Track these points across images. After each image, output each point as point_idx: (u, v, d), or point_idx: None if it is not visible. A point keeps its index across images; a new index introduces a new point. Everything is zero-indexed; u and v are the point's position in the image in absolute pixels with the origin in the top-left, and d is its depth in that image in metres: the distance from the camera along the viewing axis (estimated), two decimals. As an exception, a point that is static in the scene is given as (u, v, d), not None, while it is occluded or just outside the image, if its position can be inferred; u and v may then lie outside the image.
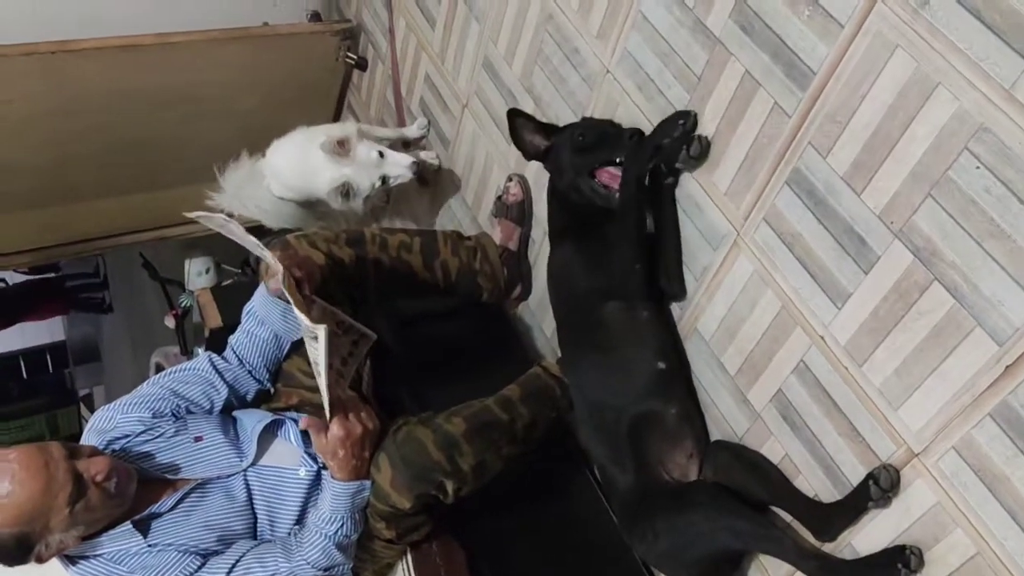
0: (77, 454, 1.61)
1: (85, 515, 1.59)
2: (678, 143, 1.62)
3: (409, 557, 1.85)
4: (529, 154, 1.91)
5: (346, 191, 2.24)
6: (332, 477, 1.68)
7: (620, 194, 1.71)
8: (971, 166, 1.21)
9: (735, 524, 1.56)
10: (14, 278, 7.37)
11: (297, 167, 2.33)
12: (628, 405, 1.73)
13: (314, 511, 1.72)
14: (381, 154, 2.24)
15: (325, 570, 1.69)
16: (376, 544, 1.79)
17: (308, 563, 1.67)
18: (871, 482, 1.41)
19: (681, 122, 1.61)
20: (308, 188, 2.33)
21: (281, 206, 2.45)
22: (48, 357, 9.03)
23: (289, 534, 1.75)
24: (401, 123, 2.80)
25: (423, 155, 2.66)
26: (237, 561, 1.67)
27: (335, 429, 1.64)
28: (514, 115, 1.89)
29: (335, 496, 1.67)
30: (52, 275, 7.74)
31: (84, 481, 1.57)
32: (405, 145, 2.73)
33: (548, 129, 1.88)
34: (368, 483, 1.69)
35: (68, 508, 1.55)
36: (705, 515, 1.58)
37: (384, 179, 2.25)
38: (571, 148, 1.79)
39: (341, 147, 2.21)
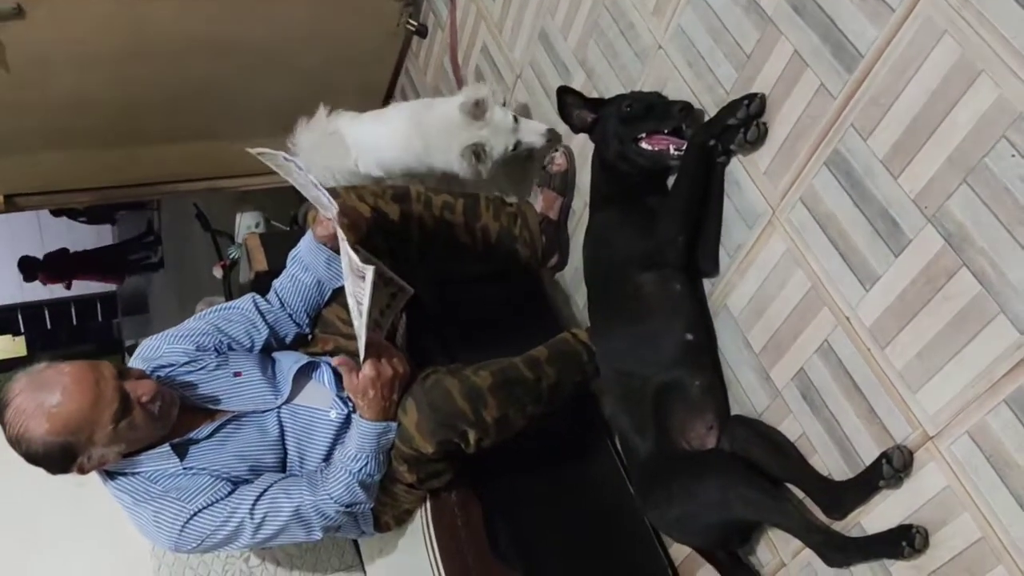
0: (126, 375, 1.69)
1: (128, 433, 1.67)
2: (739, 125, 1.64)
3: (428, 504, 1.91)
4: (577, 128, 1.95)
5: (478, 153, 2.19)
6: (360, 416, 1.74)
7: (682, 160, 1.73)
8: (1007, 154, 1.22)
9: (748, 493, 1.59)
10: (75, 246, 7.62)
11: (416, 137, 2.28)
12: (654, 374, 1.76)
13: (340, 449, 1.78)
14: (516, 119, 2.22)
15: (347, 506, 1.76)
16: (398, 487, 1.85)
17: (331, 498, 1.73)
18: (884, 461, 1.43)
19: (747, 103, 1.62)
20: (426, 157, 2.29)
21: (357, 180, 2.43)
22: (99, 305, 9.30)
23: (316, 470, 1.81)
24: (455, 70, 2.80)
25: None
26: (265, 491, 1.74)
27: (367, 369, 1.70)
28: (563, 92, 1.93)
29: (362, 435, 1.73)
30: (109, 240, 7.98)
31: (130, 401, 1.65)
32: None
33: (595, 103, 1.91)
34: (394, 424, 1.75)
35: (113, 424, 1.63)
36: (719, 482, 1.61)
37: (517, 144, 2.22)
38: (618, 117, 1.82)
39: (478, 108, 2.17)
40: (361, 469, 1.73)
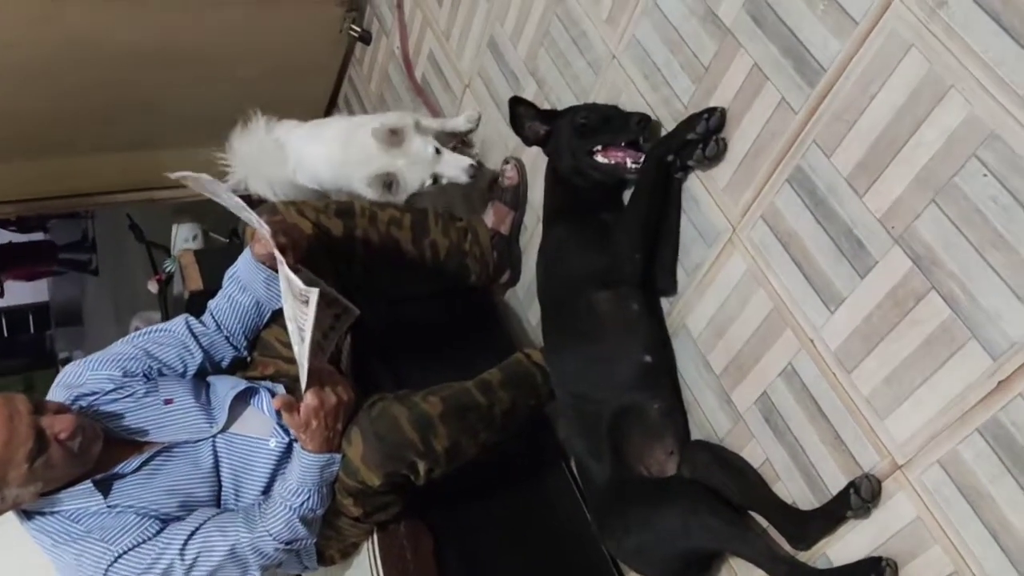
0: (42, 409, 1.57)
1: (45, 472, 1.54)
2: (698, 140, 1.58)
3: (375, 537, 1.82)
4: (529, 140, 1.87)
5: (389, 183, 2.05)
6: (302, 448, 1.64)
7: (639, 175, 1.67)
8: (978, 173, 1.18)
9: (709, 522, 1.53)
10: (2, 238, 7.31)
11: (338, 156, 2.15)
12: (611, 397, 1.70)
13: (281, 482, 1.68)
14: (438, 151, 2.06)
15: (287, 543, 1.65)
16: (342, 521, 1.75)
17: (270, 535, 1.63)
18: (852, 491, 1.38)
19: (706, 117, 1.56)
20: (345, 178, 2.15)
21: (297, 192, 2.30)
22: (31, 317, 8.96)
23: (253, 504, 1.70)
24: (432, 110, 2.64)
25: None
26: (197, 528, 1.63)
27: (309, 398, 1.59)
28: (515, 103, 1.85)
29: (304, 468, 1.63)
30: (41, 239, 7.67)
31: (46, 438, 1.53)
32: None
33: (548, 115, 1.84)
34: (338, 456, 1.65)
35: (27, 464, 1.51)
36: (680, 511, 1.55)
37: (436, 178, 2.07)
38: (572, 129, 1.75)
39: (394, 136, 2.03)
40: (303, 504, 1.63)
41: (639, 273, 1.70)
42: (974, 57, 1.16)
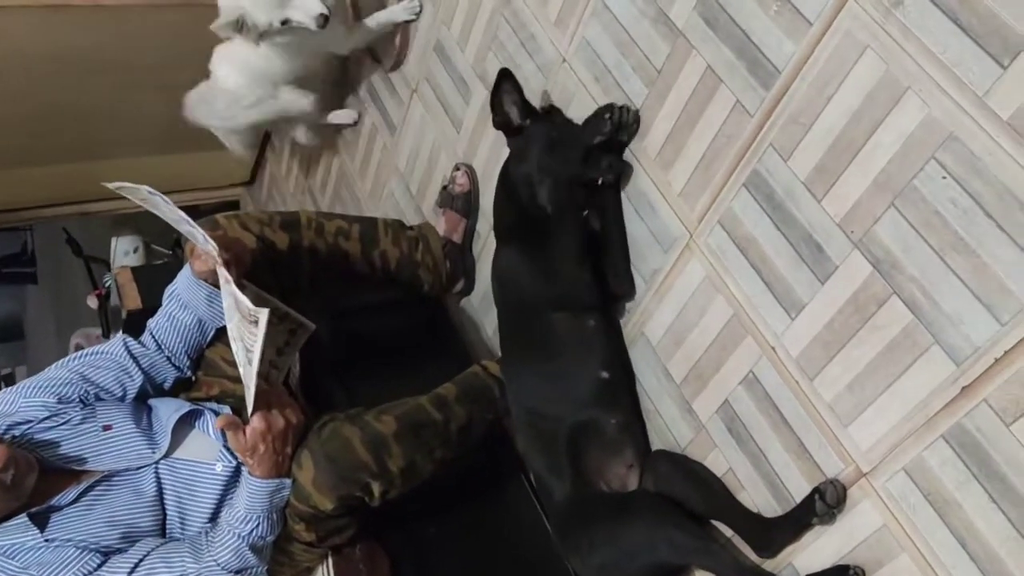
0: None
1: None
2: (610, 137, 1.56)
3: (330, 562, 1.75)
4: (499, 123, 1.77)
5: (240, 24, 2.03)
6: (250, 473, 1.57)
7: (551, 204, 1.63)
8: (937, 176, 1.16)
9: (674, 536, 1.49)
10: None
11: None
12: (568, 414, 1.66)
13: (228, 509, 1.60)
14: None
15: (236, 572, 1.58)
16: (295, 547, 1.68)
17: (218, 564, 1.55)
18: (817, 497, 1.35)
19: (608, 116, 1.54)
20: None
21: (238, 113, 2.39)
22: (-30, 333, 8.67)
23: (200, 533, 1.63)
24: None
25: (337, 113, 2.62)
26: (140, 560, 1.55)
27: (256, 422, 1.53)
28: (504, 77, 1.74)
29: (252, 493, 1.56)
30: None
31: None
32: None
33: (531, 109, 1.76)
34: (288, 481, 1.58)
35: None
36: (644, 525, 1.51)
37: (285, 21, 2.03)
38: (543, 145, 1.68)
39: None
40: (252, 531, 1.56)
41: (593, 294, 1.66)
42: (931, 58, 1.14)
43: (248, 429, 1.53)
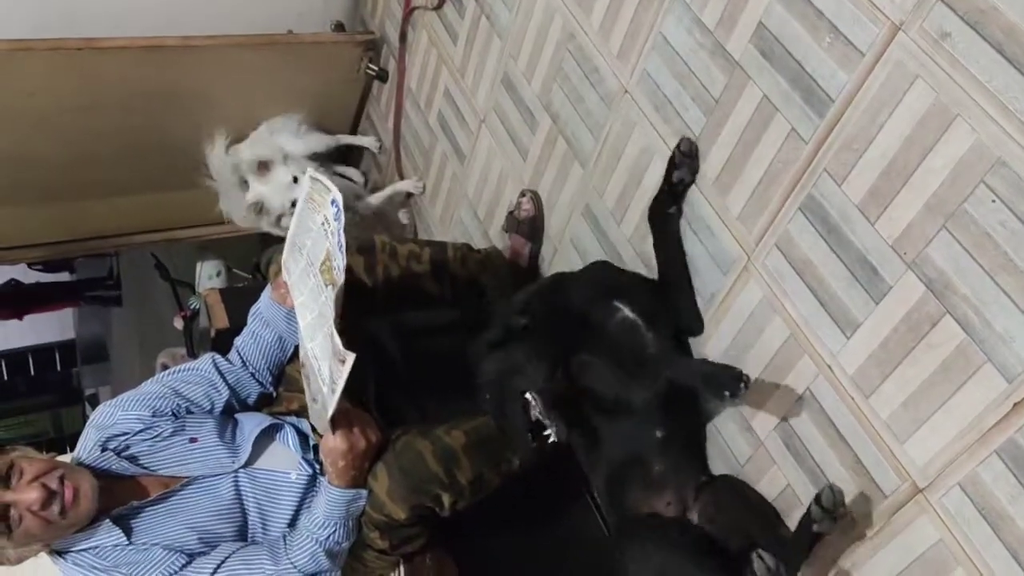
0: (11, 480, 1.58)
1: (28, 539, 1.59)
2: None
3: (402, 569, 1.83)
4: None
5: (260, 209, 2.47)
6: (329, 483, 1.67)
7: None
8: (987, 199, 1.20)
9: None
10: (28, 276, 7.40)
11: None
12: (616, 457, 1.71)
13: (307, 514, 1.70)
14: (295, 179, 2.45)
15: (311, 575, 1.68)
16: (368, 554, 1.77)
17: (295, 567, 1.65)
18: (813, 502, 1.38)
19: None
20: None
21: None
22: (57, 355, 9.06)
23: (279, 537, 1.73)
24: (396, 141, 2.94)
25: (402, 184, 2.89)
26: (222, 562, 1.66)
27: (338, 442, 1.62)
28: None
29: (330, 502, 1.66)
30: (67, 279, 7.75)
31: (11, 513, 1.55)
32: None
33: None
34: (365, 492, 1.67)
35: (3, 538, 1.55)
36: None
37: (294, 203, 2.36)
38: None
39: (263, 168, 2.46)
40: (329, 537, 1.66)
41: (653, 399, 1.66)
42: (978, 86, 1.19)
43: (331, 444, 1.63)
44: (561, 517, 2.02)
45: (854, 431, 1.44)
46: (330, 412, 1.57)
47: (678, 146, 1.65)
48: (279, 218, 2.51)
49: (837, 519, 1.38)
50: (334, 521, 1.66)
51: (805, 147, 1.46)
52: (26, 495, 1.56)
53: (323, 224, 1.58)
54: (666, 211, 1.71)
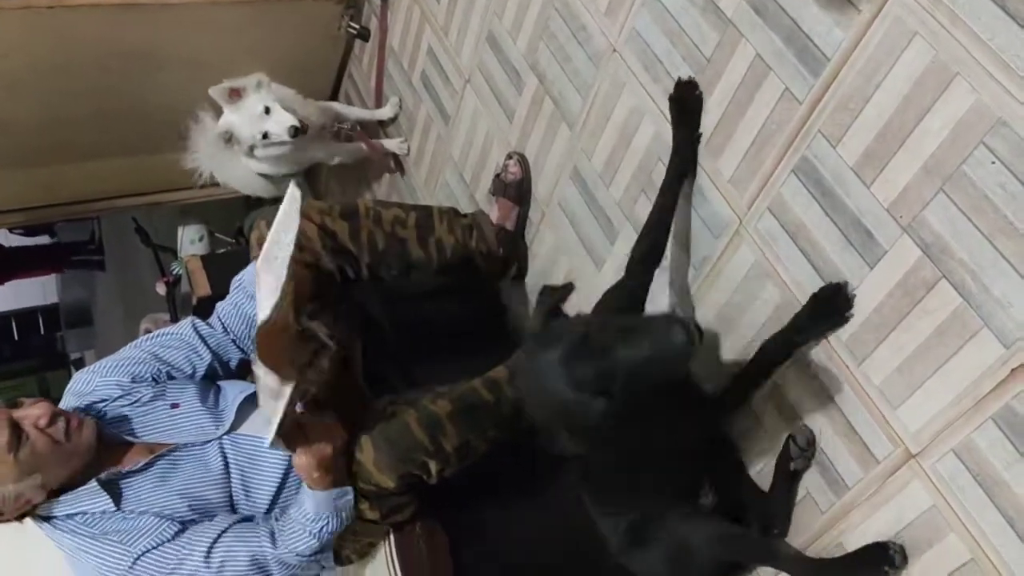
0: (17, 404, 1.62)
1: (35, 461, 1.58)
2: None
3: (392, 538, 1.82)
4: None
5: (228, 138, 2.34)
6: (309, 488, 1.65)
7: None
8: (986, 161, 1.17)
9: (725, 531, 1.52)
10: (9, 240, 7.32)
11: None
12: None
13: (297, 506, 1.68)
14: (267, 110, 2.30)
15: (310, 556, 1.68)
16: (359, 524, 1.75)
17: (294, 552, 1.65)
18: (790, 439, 1.42)
19: None
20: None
21: (252, 177, 2.59)
22: (40, 319, 9.00)
23: (270, 513, 1.71)
24: (377, 102, 2.87)
25: (387, 142, 2.76)
26: (219, 536, 1.64)
27: (302, 459, 1.59)
28: None
29: (316, 502, 1.64)
30: (48, 241, 7.67)
31: (21, 428, 1.57)
32: (381, 125, 2.85)
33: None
34: (349, 488, 1.66)
35: (11, 455, 1.55)
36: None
37: (265, 134, 2.33)
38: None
39: (234, 94, 2.29)
40: (322, 528, 1.65)
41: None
42: (979, 44, 1.15)
43: (297, 463, 1.61)
44: (550, 484, 2.01)
45: (847, 397, 1.43)
46: (276, 419, 1.52)
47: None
48: (251, 148, 2.40)
49: (811, 458, 1.42)
50: (325, 515, 1.65)
51: (799, 107, 1.42)
52: (33, 410, 1.59)
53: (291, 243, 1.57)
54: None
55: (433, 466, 1.66)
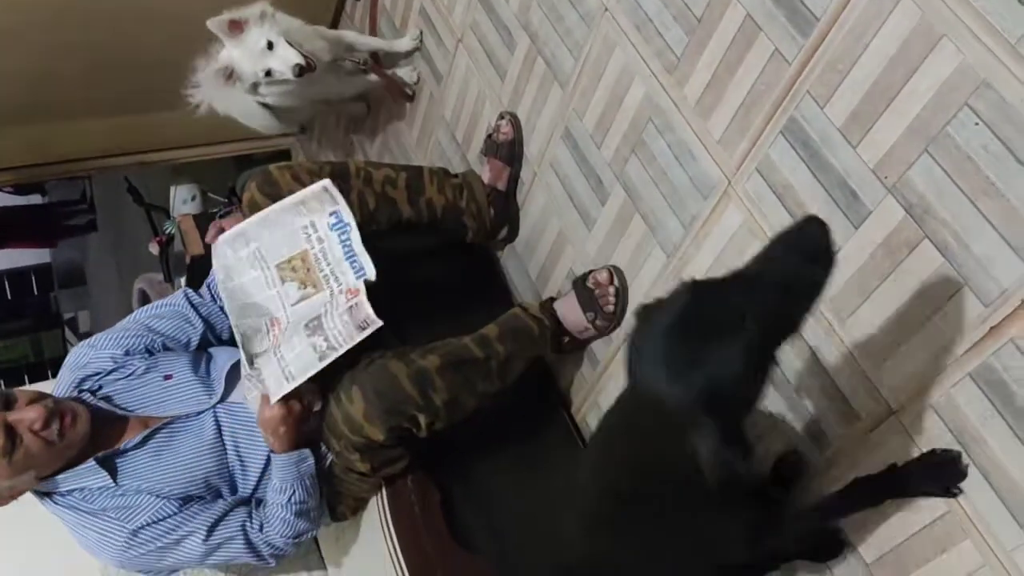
0: (12, 404, 1.60)
1: (29, 462, 1.59)
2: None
3: (384, 492, 1.85)
4: None
5: (229, 74, 2.15)
6: (271, 451, 1.69)
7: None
8: (970, 122, 1.18)
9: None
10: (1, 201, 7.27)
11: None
12: None
13: (269, 485, 1.73)
14: (271, 45, 2.11)
15: (295, 538, 1.74)
16: (351, 477, 1.78)
17: (278, 534, 1.71)
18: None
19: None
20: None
21: (255, 108, 2.44)
22: (33, 279, 8.98)
23: (260, 483, 1.76)
24: (372, 30, 2.77)
25: (401, 72, 2.64)
26: (217, 521, 1.69)
27: (276, 411, 1.64)
28: None
29: (280, 467, 1.69)
30: (39, 202, 7.62)
31: (16, 433, 1.57)
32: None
33: None
34: (308, 451, 1.70)
35: (4, 459, 1.56)
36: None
37: (268, 72, 2.16)
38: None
39: (235, 27, 2.08)
40: (290, 499, 1.69)
41: None
42: (965, 5, 1.16)
43: (269, 412, 1.64)
44: (538, 437, 2.04)
45: (831, 356, 1.45)
46: (306, 377, 1.60)
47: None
48: (254, 86, 2.22)
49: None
50: (289, 483, 1.69)
51: (788, 68, 1.43)
52: (28, 414, 1.57)
53: (306, 228, 1.69)
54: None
55: (423, 420, 1.68)
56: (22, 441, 1.57)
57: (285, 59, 2.13)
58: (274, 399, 1.62)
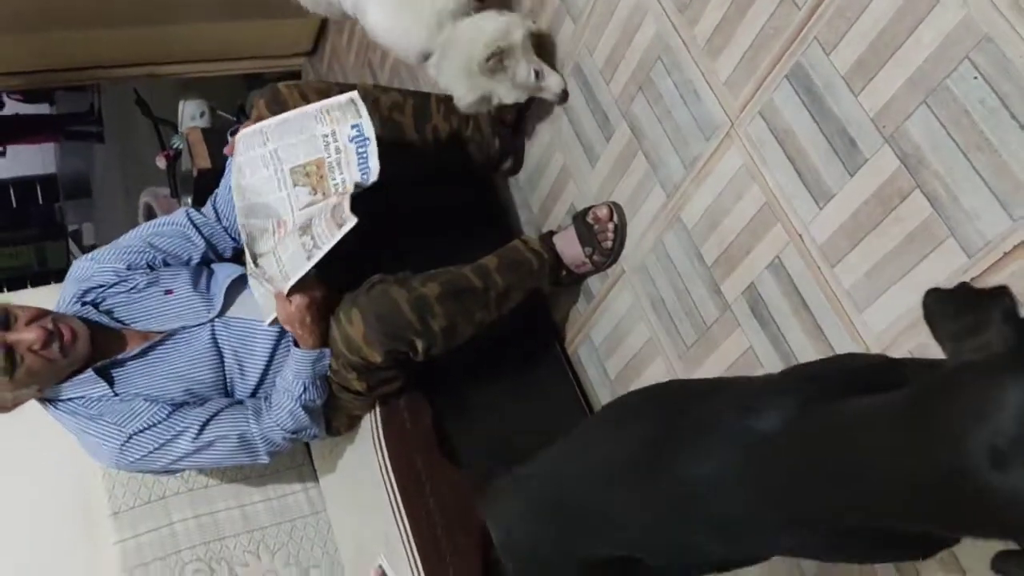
0: (12, 324, 1.63)
1: (31, 379, 1.65)
2: None
3: (377, 410, 1.91)
4: None
5: (488, 100, 1.93)
6: (298, 345, 1.73)
7: None
8: (969, 76, 1.20)
9: None
10: (8, 108, 7.24)
11: (419, 35, 1.91)
12: None
13: (280, 376, 1.77)
14: (538, 75, 1.90)
15: (294, 432, 1.78)
16: (346, 395, 1.84)
17: (278, 425, 1.76)
18: None
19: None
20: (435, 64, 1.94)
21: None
22: (39, 188, 8.99)
23: (255, 395, 1.81)
24: None
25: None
26: (209, 420, 1.75)
27: (298, 300, 1.67)
28: None
29: (297, 362, 1.73)
30: (47, 112, 7.59)
31: (15, 353, 1.61)
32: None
33: None
34: (328, 351, 1.74)
35: (5, 377, 1.61)
36: None
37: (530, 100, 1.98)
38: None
39: (501, 63, 1.83)
40: (302, 395, 1.74)
41: None
42: (975, -43, 1.17)
43: (293, 303, 1.67)
44: (532, 369, 2.10)
45: (817, 299, 1.49)
46: (300, 273, 1.64)
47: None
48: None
49: None
50: (302, 380, 1.73)
51: (798, 12, 1.44)
52: (27, 335, 1.62)
53: (326, 136, 1.69)
54: None
55: (420, 345, 1.73)
56: (23, 360, 1.61)
57: (554, 88, 1.96)
58: (277, 297, 1.67)
